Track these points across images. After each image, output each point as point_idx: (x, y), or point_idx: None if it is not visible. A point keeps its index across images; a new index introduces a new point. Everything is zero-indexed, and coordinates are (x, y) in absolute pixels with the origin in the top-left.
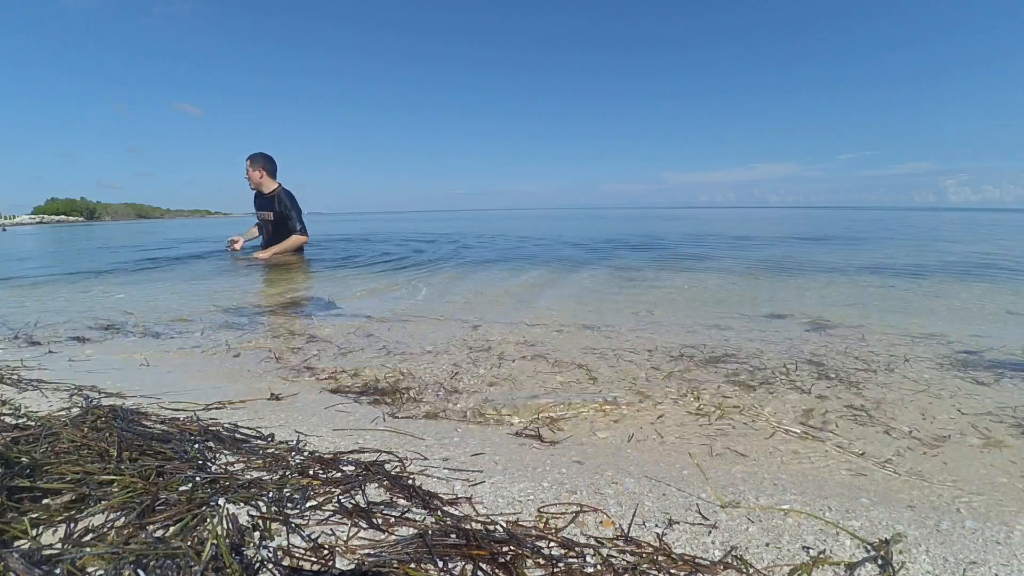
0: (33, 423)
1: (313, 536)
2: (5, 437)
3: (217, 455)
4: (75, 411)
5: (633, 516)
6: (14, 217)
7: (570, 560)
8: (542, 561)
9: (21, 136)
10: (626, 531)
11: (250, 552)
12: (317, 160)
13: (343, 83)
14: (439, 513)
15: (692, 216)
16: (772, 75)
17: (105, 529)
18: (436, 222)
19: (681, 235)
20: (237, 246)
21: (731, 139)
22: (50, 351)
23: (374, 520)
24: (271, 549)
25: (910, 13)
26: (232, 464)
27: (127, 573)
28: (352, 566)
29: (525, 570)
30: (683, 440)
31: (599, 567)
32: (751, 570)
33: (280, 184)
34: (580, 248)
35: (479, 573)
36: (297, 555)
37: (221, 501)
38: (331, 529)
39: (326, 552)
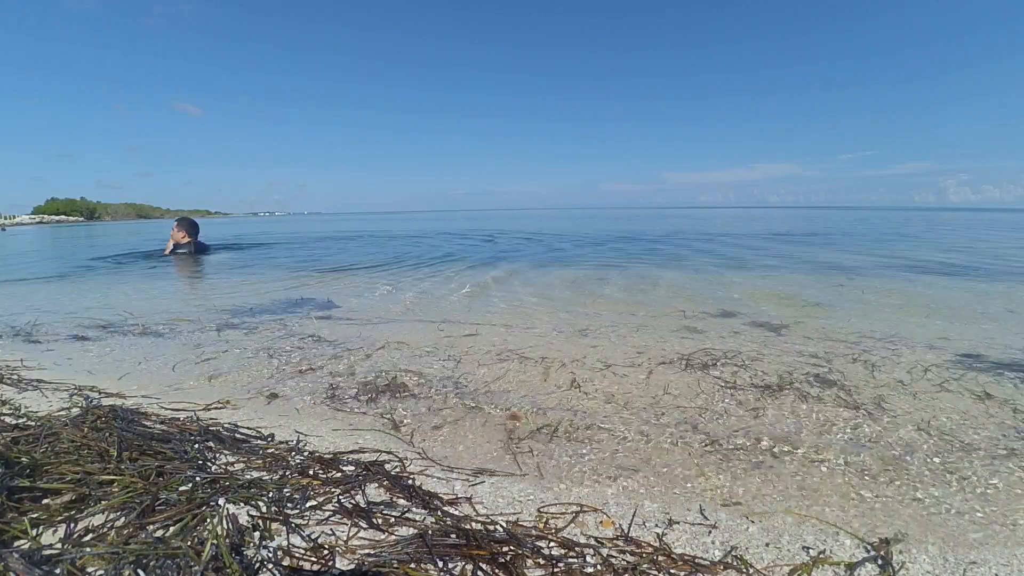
0: (33, 423)
1: (313, 536)
2: (5, 437)
3: (217, 455)
4: (75, 411)
5: (633, 516)
6: (14, 217)
7: (570, 560)
8: (542, 561)
9: (21, 136)
10: (626, 531)
11: (250, 552)
12: (317, 160)
13: (343, 83)
14: (439, 513)
15: (698, 216)
16: (772, 75)
17: (105, 529)
18: (442, 221)
19: (699, 233)
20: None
21: (731, 139)
22: (49, 350)
23: (374, 520)
24: (271, 549)
25: (910, 13)
26: (232, 464)
27: (127, 573)
28: (352, 566)
29: (525, 570)
30: None
31: (599, 567)
32: (751, 570)
33: (190, 240)
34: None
35: (479, 573)
36: (297, 555)
37: (221, 501)
38: (331, 529)
39: (326, 552)
